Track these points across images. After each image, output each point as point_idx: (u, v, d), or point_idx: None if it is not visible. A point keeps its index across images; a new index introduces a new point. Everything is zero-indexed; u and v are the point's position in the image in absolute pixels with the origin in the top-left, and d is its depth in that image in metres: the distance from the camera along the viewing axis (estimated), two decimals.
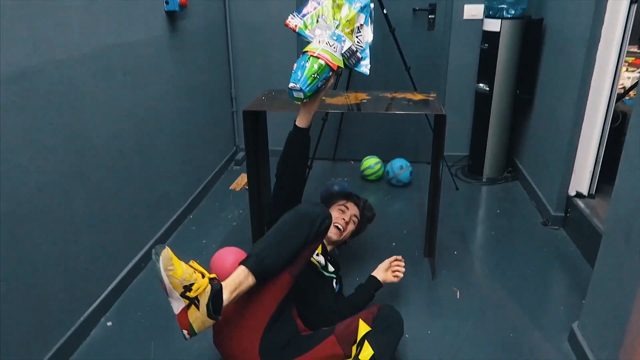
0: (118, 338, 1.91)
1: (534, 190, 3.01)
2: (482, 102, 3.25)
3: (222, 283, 1.41)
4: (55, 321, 1.73)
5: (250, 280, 1.46)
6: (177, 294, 1.32)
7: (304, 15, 1.73)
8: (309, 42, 1.70)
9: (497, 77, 3.13)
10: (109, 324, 1.96)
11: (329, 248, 2.11)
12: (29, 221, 1.59)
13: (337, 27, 1.72)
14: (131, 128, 2.18)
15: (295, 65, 1.68)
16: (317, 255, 1.95)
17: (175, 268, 1.30)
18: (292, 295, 1.66)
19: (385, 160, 3.50)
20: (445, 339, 1.89)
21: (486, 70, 3.18)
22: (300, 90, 1.63)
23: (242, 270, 1.46)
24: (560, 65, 2.73)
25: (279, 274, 1.54)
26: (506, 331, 1.93)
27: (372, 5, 1.77)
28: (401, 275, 1.98)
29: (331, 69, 1.64)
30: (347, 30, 1.73)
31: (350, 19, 1.72)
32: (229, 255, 2.02)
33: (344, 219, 2.13)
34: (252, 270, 1.46)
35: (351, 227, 2.16)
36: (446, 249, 2.48)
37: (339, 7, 1.74)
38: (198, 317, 1.34)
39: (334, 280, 1.97)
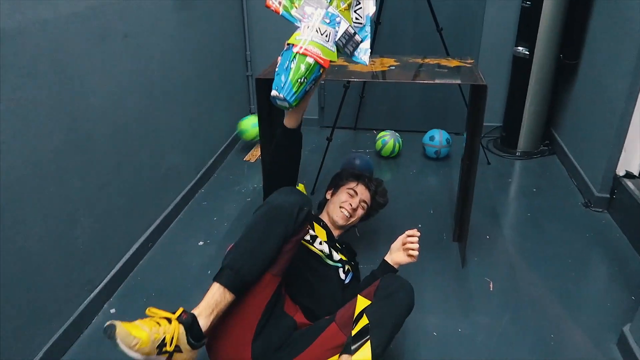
0: None
1: (574, 167, 2.75)
2: (520, 67, 2.94)
3: (196, 310, 1.27)
4: (53, 310, 1.59)
5: (228, 297, 1.31)
6: (155, 356, 1.16)
7: None
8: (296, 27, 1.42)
9: (539, 39, 2.81)
10: (113, 310, 1.82)
11: (335, 233, 1.92)
12: (18, 203, 1.42)
13: (330, 2, 1.41)
14: (133, 96, 1.98)
15: (278, 61, 1.41)
16: (321, 243, 1.77)
17: (138, 339, 1.12)
18: (284, 291, 1.52)
19: (410, 131, 3.25)
20: (477, 338, 1.71)
21: (527, 31, 2.86)
22: (285, 99, 1.38)
23: (216, 289, 1.30)
24: (614, 26, 2.40)
25: (260, 279, 1.38)
26: (545, 330, 1.73)
27: None
28: (416, 253, 1.61)
29: (322, 67, 1.38)
30: (343, 6, 1.42)
31: None
32: None
33: (351, 205, 1.93)
34: (228, 286, 1.30)
35: (360, 212, 1.97)
36: (476, 232, 2.27)
37: None
38: (185, 358, 1.22)
39: (341, 269, 1.76)
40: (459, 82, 1.74)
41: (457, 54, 3.00)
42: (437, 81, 1.74)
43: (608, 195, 2.42)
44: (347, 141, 3.34)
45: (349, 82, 3.17)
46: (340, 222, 1.90)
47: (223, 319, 1.34)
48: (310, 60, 1.36)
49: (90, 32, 1.69)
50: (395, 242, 1.69)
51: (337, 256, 1.77)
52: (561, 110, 3.05)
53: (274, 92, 1.38)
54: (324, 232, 1.84)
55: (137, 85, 2.00)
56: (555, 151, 3.09)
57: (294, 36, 1.38)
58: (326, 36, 1.37)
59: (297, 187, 1.64)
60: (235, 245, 1.38)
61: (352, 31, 1.43)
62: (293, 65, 1.35)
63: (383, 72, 1.90)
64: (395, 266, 1.66)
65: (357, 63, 1.46)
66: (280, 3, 1.42)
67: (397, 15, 3.18)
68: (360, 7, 1.44)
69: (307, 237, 1.75)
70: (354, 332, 1.35)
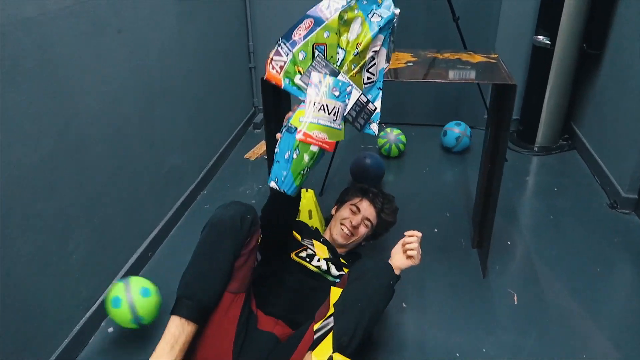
0: (120, 346, 1.65)
1: (597, 165, 2.60)
2: (541, 57, 2.77)
3: (154, 355, 1.21)
4: (45, 334, 1.47)
5: (189, 328, 1.24)
6: None
7: (293, 44, 1.23)
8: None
9: (561, 27, 2.64)
10: (110, 329, 1.70)
11: (340, 250, 1.78)
12: (3, 219, 1.28)
13: (341, 66, 1.22)
14: (130, 96, 1.83)
15: (277, 147, 1.24)
16: (319, 260, 1.64)
17: None
18: (254, 308, 1.43)
19: (422, 125, 3.10)
20: (503, 359, 1.58)
21: (548, 19, 2.69)
22: (284, 192, 1.26)
23: (174, 322, 1.24)
24: None
25: (220, 301, 1.31)
26: (577, 351, 1.61)
27: (396, 14, 1.26)
28: (415, 253, 1.42)
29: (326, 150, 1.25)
30: (354, 69, 1.24)
31: (364, 46, 1.23)
32: None
33: (351, 222, 1.76)
34: (186, 316, 1.24)
35: (362, 230, 1.78)
36: (496, 237, 2.13)
37: (347, 23, 1.23)
38: None
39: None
40: (486, 81, 1.58)
41: (472, 44, 2.83)
42: (462, 81, 1.59)
43: (636, 196, 2.27)
44: (356, 136, 3.17)
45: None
46: (340, 240, 1.75)
47: (194, 350, 1.28)
48: (314, 148, 1.21)
49: (81, 29, 1.53)
50: (395, 246, 1.52)
51: (335, 272, 1.64)
52: (583, 103, 2.89)
53: (272, 184, 1.25)
54: (325, 248, 1.71)
55: (134, 84, 1.85)
56: (575, 146, 2.94)
57: (297, 116, 1.20)
58: (334, 114, 1.20)
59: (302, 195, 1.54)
60: (185, 273, 1.31)
61: (365, 99, 1.26)
62: (295, 156, 1.20)
63: (400, 69, 1.74)
64: (397, 271, 1.46)
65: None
66: (281, 68, 1.24)
67: (409, 3, 3.00)
68: (374, 64, 1.27)
69: (303, 255, 1.64)
70: (316, 326, 1.25)
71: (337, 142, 1.27)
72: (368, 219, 1.79)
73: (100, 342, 1.66)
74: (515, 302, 1.81)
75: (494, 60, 1.81)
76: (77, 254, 1.58)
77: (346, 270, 1.67)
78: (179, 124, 2.25)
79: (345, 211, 1.80)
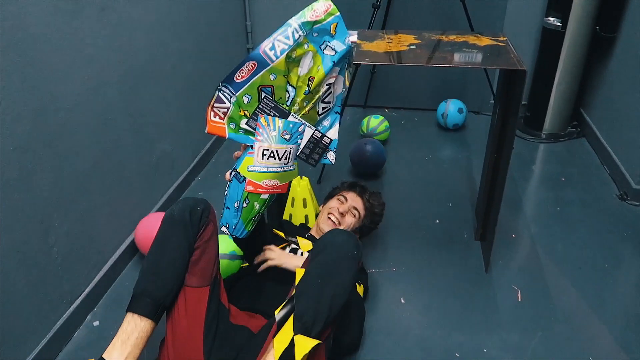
0: (107, 340, 1.55)
1: (607, 153, 2.49)
2: (551, 40, 2.65)
3: (106, 354, 1.16)
4: (26, 329, 1.40)
5: (145, 324, 1.18)
6: None
7: (236, 87, 1.11)
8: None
9: (573, 8, 2.51)
10: (96, 323, 1.63)
11: None
12: None
13: (292, 105, 1.12)
14: (114, 79, 1.73)
15: (226, 191, 1.17)
16: (302, 254, 1.59)
17: None
18: (225, 302, 1.35)
19: (425, 110, 2.99)
20: (505, 359, 1.51)
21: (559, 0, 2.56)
22: (235, 237, 1.20)
23: (127, 319, 1.20)
24: None
25: (181, 296, 1.26)
26: (583, 352, 1.53)
27: (353, 44, 1.16)
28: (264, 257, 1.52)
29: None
30: (307, 106, 1.14)
31: (317, 82, 1.12)
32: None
33: (338, 209, 1.75)
34: (139, 311, 1.19)
35: (350, 220, 1.76)
36: (500, 229, 2.03)
37: (296, 60, 1.11)
38: None
39: None
40: (494, 66, 1.47)
41: (479, 25, 2.71)
42: (469, 65, 1.48)
43: None
44: (357, 121, 3.07)
45: (374, 67, 2.93)
46: (326, 228, 1.69)
47: (166, 350, 1.24)
48: (265, 196, 1.14)
49: (59, 6, 1.42)
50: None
51: None
52: (594, 89, 2.77)
53: (223, 227, 1.18)
54: (310, 243, 1.66)
55: (119, 66, 1.75)
56: (584, 134, 2.82)
57: (245, 164, 1.10)
58: (285, 158, 1.12)
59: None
60: (141, 268, 1.27)
61: (319, 135, 1.18)
62: (245, 205, 1.13)
63: (403, 52, 1.63)
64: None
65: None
66: (225, 115, 1.12)
67: None
68: (330, 92, 1.17)
69: (287, 251, 1.59)
70: (277, 312, 1.18)
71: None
72: (355, 208, 1.79)
73: (86, 336, 1.60)
74: (519, 299, 1.73)
75: (502, 44, 1.69)
76: (59, 246, 1.50)
77: None
78: (170, 108, 2.15)
79: (332, 201, 1.80)
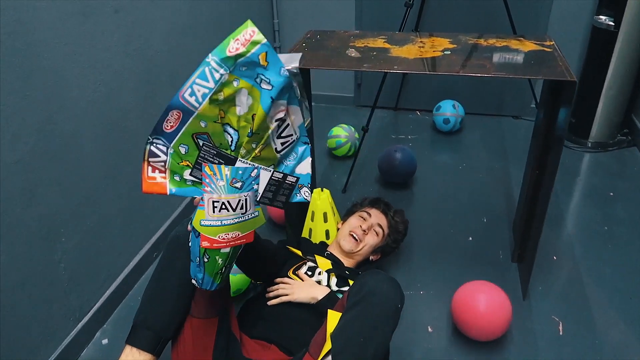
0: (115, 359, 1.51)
1: None
2: (602, 41, 2.42)
3: None
4: (29, 348, 1.34)
5: (142, 357, 1.10)
6: None
7: (169, 137, 0.97)
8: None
9: (628, 6, 2.29)
10: (105, 341, 1.57)
11: (346, 263, 1.60)
12: None
13: (237, 150, 0.99)
14: (129, 84, 1.65)
15: (190, 245, 1.04)
16: (320, 274, 1.47)
17: None
18: (236, 332, 1.26)
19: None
20: None
21: None
22: (206, 289, 1.06)
23: (125, 351, 1.12)
24: None
25: (186, 327, 1.17)
26: None
27: (294, 71, 0.98)
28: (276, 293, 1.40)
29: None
30: (257, 148, 1.00)
31: (258, 122, 0.97)
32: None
33: (360, 227, 1.62)
34: (138, 345, 1.11)
35: (373, 238, 1.63)
36: (540, 250, 1.87)
37: (229, 100, 0.96)
38: None
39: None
40: (539, 77, 1.31)
41: (521, 24, 2.51)
42: (510, 75, 1.32)
43: None
44: (386, 125, 2.93)
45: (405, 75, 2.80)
46: (347, 246, 1.59)
47: None
48: (226, 250, 1.01)
49: (68, 9, 1.34)
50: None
51: (335, 287, 1.45)
52: None
53: (193, 280, 1.06)
54: (329, 262, 1.54)
55: (134, 71, 1.66)
56: (635, 142, 2.59)
57: (198, 218, 0.97)
58: (241, 208, 0.98)
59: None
60: (142, 296, 1.18)
61: (280, 175, 1.04)
62: (207, 260, 1.01)
63: (436, 59, 1.48)
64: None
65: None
66: (164, 167, 0.98)
67: None
68: (287, 125, 1.02)
69: (304, 269, 1.48)
70: None
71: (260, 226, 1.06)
72: (379, 225, 1.66)
73: (94, 354, 1.53)
74: (561, 333, 1.56)
75: (548, 49, 1.52)
76: (66, 261, 1.44)
77: (351, 281, 1.47)
78: None
79: (354, 219, 1.68)
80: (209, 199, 0.96)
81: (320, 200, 1.77)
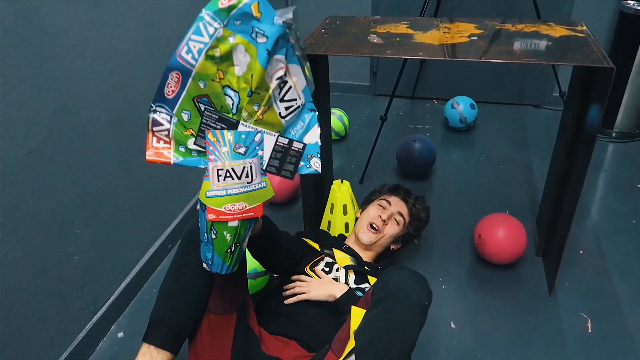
0: (132, 352, 1.48)
1: None
2: (629, 27, 2.33)
3: None
4: (44, 342, 1.31)
5: (160, 356, 1.06)
6: None
7: (171, 104, 0.93)
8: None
9: None
10: (120, 334, 1.54)
11: (365, 255, 1.54)
12: None
13: (238, 113, 0.94)
14: (142, 72, 1.60)
15: (198, 223, 1.00)
16: (337, 270, 1.42)
17: None
18: (255, 328, 1.23)
19: (479, 102, 2.73)
20: None
21: None
22: (218, 274, 1.02)
23: (143, 349, 1.07)
24: None
25: (203, 324, 1.14)
26: None
27: (289, 21, 0.91)
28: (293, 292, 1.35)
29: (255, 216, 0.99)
30: (259, 110, 0.95)
31: (257, 79, 0.92)
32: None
33: (380, 217, 1.55)
34: (155, 343, 1.07)
35: (393, 228, 1.56)
36: (566, 245, 1.80)
37: (226, 58, 0.90)
38: None
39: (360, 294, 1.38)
40: (575, 63, 1.24)
41: (545, 9, 2.42)
42: (543, 62, 1.25)
43: None
44: (403, 114, 2.87)
45: (422, 62, 2.71)
46: (365, 238, 1.53)
47: None
48: (233, 223, 0.96)
49: None
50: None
51: (353, 284, 1.40)
52: None
53: (204, 264, 1.02)
54: (347, 256, 1.48)
55: (147, 59, 1.62)
56: None
57: (203, 190, 0.93)
58: (246, 176, 0.93)
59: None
60: (158, 292, 1.13)
61: (285, 141, 0.98)
62: (214, 236, 0.96)
63: (462, 45, 1.42)
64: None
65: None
66: (168, 136, 0.94)
67: None
68: (290, 87, 0.96)
69: (321, 265, 1.43)
70: None
71: (269, 201, 1.01)
72: (400, 214, 1.59)
73: (109, 347, 1.51)
74: (589, 330, 1.50)
75: (581, 34, 1.45)
76: (80, 254, 1.40)
77: (372, 280, 1.42)
78: None
79: (373, 208, 1.60)
80: (214, 167, 0.92)
81: (340, 192, 1.71)
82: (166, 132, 0.95)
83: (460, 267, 1.75)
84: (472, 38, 1.44)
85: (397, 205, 1.61)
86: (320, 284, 1.33)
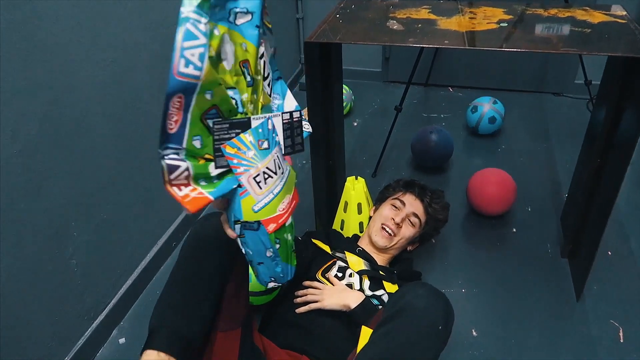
0: (134, 358, 1.41)
1: None
2: None
3: None
4: (43, 350, 1.23)
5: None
6: None
7: (178, 138, 0.77)
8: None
9: None
10: (122, 340, 1.46)
11: (380, 259, 1.44)
12: None
13: (244, 108, 0.84)
14: (143, 61, 1.49)
15: (243, 248, 0.91)
16: (351, 275, 1.31)
17: None
18: (261, 345, 1.13)
19: (497, 90, 2.60)
20: None
21: None
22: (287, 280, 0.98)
23: (147, 357, 0.92)
24: None
25: (209, 341, 1.03)
26: None
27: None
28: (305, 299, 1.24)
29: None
30: (258, 99, 0.88)
31: (253, 64, 0.84)
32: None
33: (393, 220, 1.43)
34: (164, 348, 0.92)
35: (409, 230, 1.45)
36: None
37: (217, 57, 0.79)
38: None
39: (376, 301, 1.28)
40: (619, 54, 1.11)
41: None
42: (584, 53, 1.13)
43: None
44: (417, 102, 2.74)
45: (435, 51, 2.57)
46: (380, 242, 1.42)
47: None
48: (289, 220, 0.91)
49: None
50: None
51: (369, 291, 1.29)
52: None
53: (271, 284, 0.95)
54: (361, 260, 1.38)
55: (149, 47, 1.50)
56: None
57: (246, 207, 0.84)
58: (278, 167, 0.86)
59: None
60: (157, 304, 1.00)
61: (287, 117, 0.90)
62: (278, 246, 0.90)
63: (491, 32, 1.29)
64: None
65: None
66: (189, 178, 0.80)
67: None
68: (265, 62, 0.88)
69: (333, 271, 1.32)
70: None
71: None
72: (415, 215, 1.47)
73: (110, 354, 1.43)
74: (621, 340, 1.41)
75: (622, 20, 1.32)
76: (78, 257, 1.32)
77: (388, 286, 1.32)
78: None
79: (386, 209, 1.48)
80: (248, 177, 0.83)
81: (355, 190, 1.61)
82: (186, 174, 0.80)
83: (481, 267, 1.66)
84: (501, 25, 1.32)
85: (412, 205, 1.49)
86: (334, 292, 1.23)
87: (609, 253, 1.70)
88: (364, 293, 1.27)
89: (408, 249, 1.52)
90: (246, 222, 0.86)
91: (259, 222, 0.86)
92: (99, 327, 1.41)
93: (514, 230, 1.81)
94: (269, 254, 0.89)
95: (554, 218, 1.85)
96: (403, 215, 1.46)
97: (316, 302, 1.21)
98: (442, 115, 2.58)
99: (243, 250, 0.92)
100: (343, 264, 1.36)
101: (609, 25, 1.29)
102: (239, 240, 0.90)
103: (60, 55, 1.17)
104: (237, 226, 0.87)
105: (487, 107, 2.30)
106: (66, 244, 1.27)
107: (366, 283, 1.31)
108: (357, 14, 1.46)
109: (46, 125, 1.16)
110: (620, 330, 1.43)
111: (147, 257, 1.61)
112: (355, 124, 2.54)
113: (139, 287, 1.58)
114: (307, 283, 1.28)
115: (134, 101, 1.46)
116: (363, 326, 1.02)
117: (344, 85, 2.46)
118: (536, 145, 2.32)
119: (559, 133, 2.39)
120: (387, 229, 1.43)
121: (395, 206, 1.48)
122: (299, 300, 1.25)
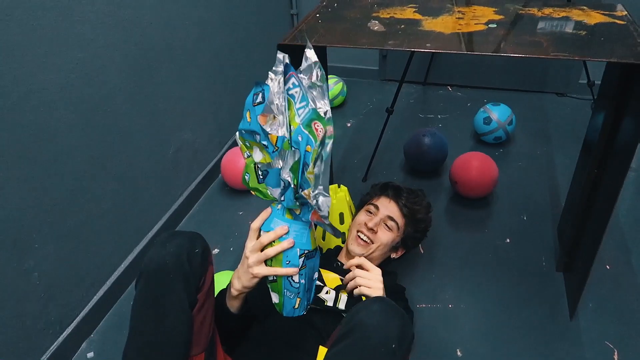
0: None
1: None
2: None
3: None
4: None
5: None
6: None
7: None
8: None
9: None
10: (90, 354, 1.40)
11: None
12: None
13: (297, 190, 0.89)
14: (116, 60, 1.42)
15: (299, 282, 0.93)
16: (327, 292, 1.20)
17: None
18: None
19: (497, 89, 2.50)
20: None
21: None
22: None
23: None
24: None
25: None
26: None
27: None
28: (356, 284, 1.10)
29: None
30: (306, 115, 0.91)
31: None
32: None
33: (366, 225, 1.33)
34: None
35: (385, 235, 1.34)
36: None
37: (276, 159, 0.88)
38: None
39: None
40: (614, 59, 1.02)
41: None
42: (576, 58, 1.04)
43: None
44: (414, 102, 2.65)
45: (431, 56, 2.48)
46: (356, 250, 1.32)
47: None
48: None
49: None
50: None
51: (343, 305, 1.19)
52: None
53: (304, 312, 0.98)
54: (337, 276, 1.27)
55: (122, 46, 1.43)
56: None
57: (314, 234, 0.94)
58: (319, 162, 0.87)
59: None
60: (126, 350, 0.92)
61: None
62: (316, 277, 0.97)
63: (479, 34, 1.20)
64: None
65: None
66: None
67: None
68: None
69: None
70: None
71: None
72: (391, 218, 1.36)
73: None
74: None
75: (621, 21, 1.22)
76: (40, 270, 1.25)
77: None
78: (193, 87, 1.83)
79: (360, 215, 1.40)
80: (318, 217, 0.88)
81: (337, 200, 1.53)
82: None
83: (471, 281, 1.57)
84: (490, 26, 1.23)
85: (386, 208, 1.39)
86: (380, 283, 1.11)
87: (607, 267, 1.60)
88: (337, 309, 1.19)
89: (392, 256, 1.44)
90: (312, 251, 0.90)
91: (317, 248, 0.91)
92: (66, 341, 1.35)
93: (508, 240, 1.72)
94: (315, 276, 0.94)
95: (551, 228, 1.76)
96: (377, 219, 1.36)
97: (368, 287, 1.09)
98: (439, 116, 2.49)
99: (292, 285, 0.92)
100: (319, 283, 1.27)
101: (607, 26, 1.19)
102: (285, 279, 0.92)
103: (23, 56, 1.11)
104: (302, 259, 0.90)
105: (500, 126, 2.18)
106: (26, 255, 1.21)
107: (343, 298, 1.23)
108: (338, 12, 1.38)
109: (3, 131, 1.09)
110: (615, 353, 1.34)
111: (120, 267, 1.55)
112: (349, 124, 2.45)
113: (112, 297, 1.52)
114: (354, 262, 1.16)
115: (103, 103, 1.39)
116: (320, 345, 0.94)
117: (335, 78, 2.40)
118: (536, 148, 2.22)
119: (560, 136, 2.29)
120: (362, 236, 1.34)
121: (369, 211, 1.39)
122: (346, 281, 1.14)
